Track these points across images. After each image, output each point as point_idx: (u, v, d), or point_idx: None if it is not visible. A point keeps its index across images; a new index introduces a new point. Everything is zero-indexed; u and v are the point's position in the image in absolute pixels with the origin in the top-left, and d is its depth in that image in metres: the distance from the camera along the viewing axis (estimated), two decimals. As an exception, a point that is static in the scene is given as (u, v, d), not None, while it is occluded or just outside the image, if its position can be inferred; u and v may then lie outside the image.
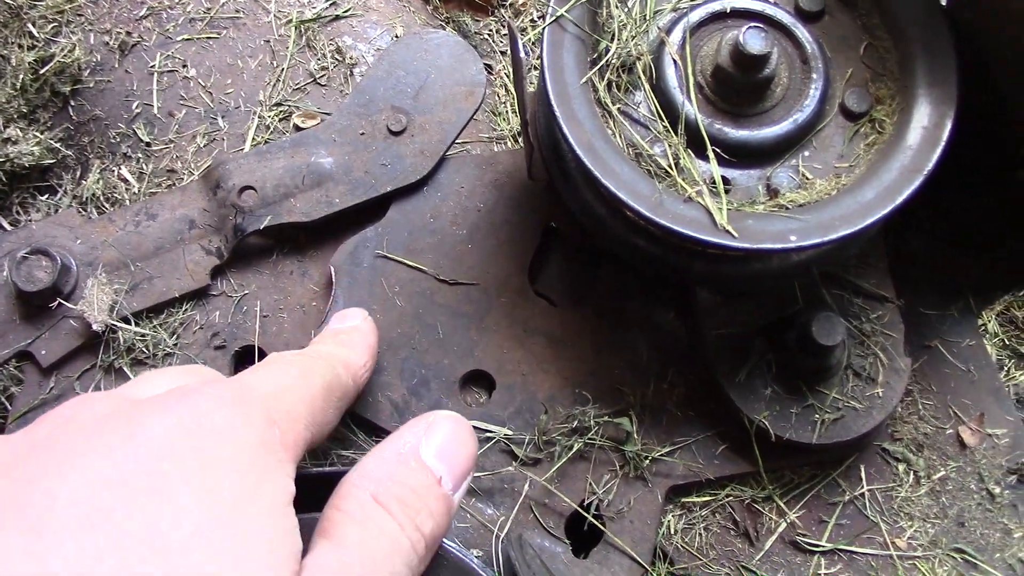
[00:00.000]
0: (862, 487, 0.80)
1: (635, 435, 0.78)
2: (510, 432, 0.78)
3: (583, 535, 0.77)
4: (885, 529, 0.79)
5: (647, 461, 0.78)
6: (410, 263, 0.83)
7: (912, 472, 0.81)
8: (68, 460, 0.43)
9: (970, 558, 0.78)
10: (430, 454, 0.53)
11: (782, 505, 0.79)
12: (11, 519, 0.40)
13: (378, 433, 0.79)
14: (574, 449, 0.77)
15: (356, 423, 0.79)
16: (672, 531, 0.78)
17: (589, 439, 0.78)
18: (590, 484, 0.78)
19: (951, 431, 0.83)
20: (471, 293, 0.82)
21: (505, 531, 0.75)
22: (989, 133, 0.74)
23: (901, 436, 0.82)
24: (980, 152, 0.76)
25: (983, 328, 1.03)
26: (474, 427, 0.78)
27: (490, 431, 0.78)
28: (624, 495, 0.77)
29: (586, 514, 0.76)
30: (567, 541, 0.76)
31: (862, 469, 0.81)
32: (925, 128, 0.71)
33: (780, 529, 0.79)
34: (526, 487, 0.77)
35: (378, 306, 0.81)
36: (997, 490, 0.81)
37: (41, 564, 0.38)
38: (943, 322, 0.85)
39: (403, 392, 0.79)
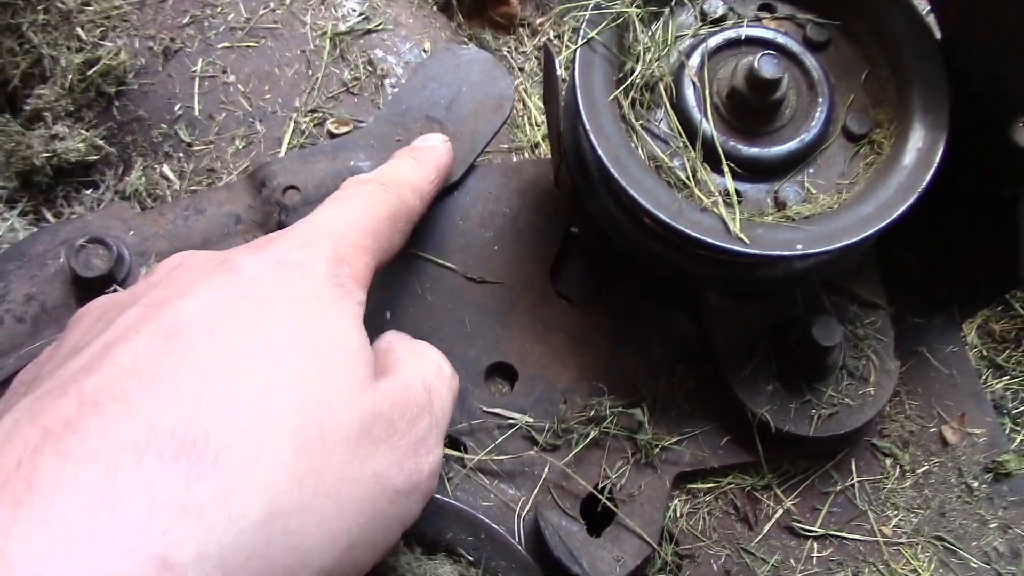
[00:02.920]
0: (853, 479, 0.87)
1: (647, 425, 0.84)
2: (531, 420, 0.85)
3: (597, 516, 0.84)
4: (873, 517, 0.86)
5: (657, 449, 0.84)
6: (440, 261, 0.89)
7: (898, 466, 0.88)
8: (183, 292, 0.53)
9: (949, 545, 0.85)
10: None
11: (779, 493, 0.86)
12: (149, 329, 0.50)
13: None
14: (590, 437, 0.84)
15: None
16: (678, 515, 0.85)
17: (604, 428, 0.84)
18: (604, 469, 0.84)
19: (934, 430, 0.90)
20: (497, 291, 0.89)
21: (527, 509, 0.82)
22: (976, 157, 0.82)
23: (889, 433, 0.89)
24: (968, 174, 0.83)
25: (964, 338, 1.10)
26: (498, 414, 0.85)
27: (512, 418, 0.84)
28: (635, 480, 0.84)
29: (600, 496, 0.83)
30: (582, 521, 0.83)
31: (853, 462, 0.88)
32: (919, 150, 0.78)
33: (777, 515, 0.85)
34: (546, 470, 0.83)
35: (410, 301, 0.88)
36: (975, 484, 0.88)
37: (175, 358, 0.48)
38: (929, 330, 0.93)
39: None
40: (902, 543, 0.85)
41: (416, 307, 0.88)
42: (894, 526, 0.86)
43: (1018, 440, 0.99)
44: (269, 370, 0.50)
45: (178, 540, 0.41)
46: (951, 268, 0.92)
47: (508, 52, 1.18)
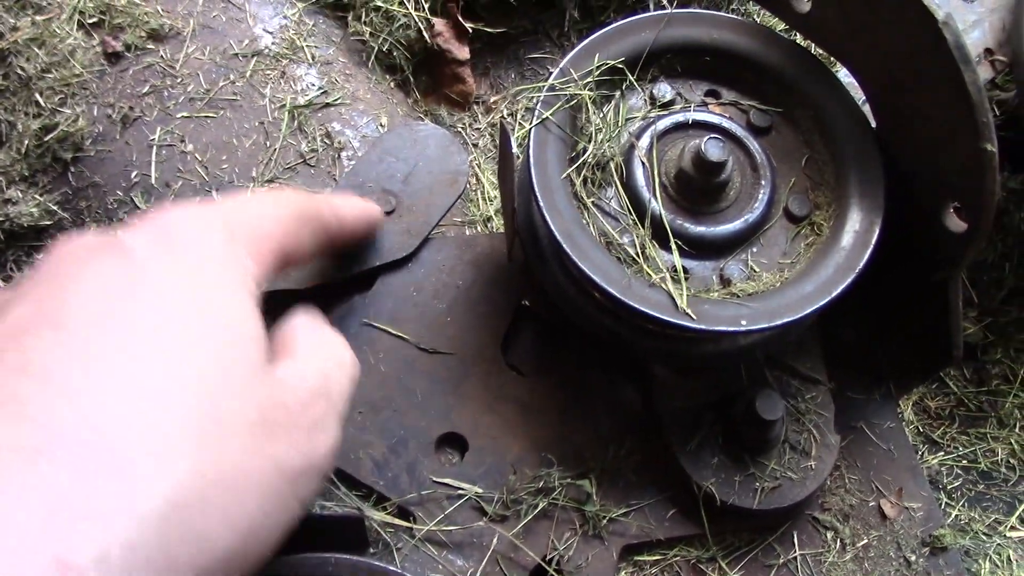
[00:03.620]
0: (795, 551, 0.89)
1: (595, 496, 0.86)
2: (480, 491, 0.85)
3: (545, 587, 0.84)
4: (815, 590, 0.88)
5: (604, 521, 0.85)
6: (393, 331, 0.91)
7: (839, 539, 0.90)
8: (69, 280, 0.51)
9: (889, 618, 0.87)
10: None
11: (724, 566, 0.87)
12: (36, 324, 0.48)
13: (359, 487, 0.85)
14: (539, 508, 0.85)
15: (339, 478, 0.85)
16: (624, 587, 0.86)
17: (553, 499, 0.85)
18: (552, 541, 0.85)
19: (873, 503, 0.92)
20: (449, 361, 0.90)
21: None
22: (910, 240, 0.85)
23: (830, 507, 0.91)
24: (903, 256, 0.87)
25: (901, 414, 1.14)
26: (447, 484, 0.85)
27: (462, 489, 0.85)
28: (583, 551, 0.85)
29: (548, 568, 0.83)
30: None
31: (795, 535, 0.89)
32: (857, 232, 0.82)
33: (722, 587, 0.87)
34: (494, 541, 0.84)
35: (362, 370, 0.88)
36: (912, 558, 0.90)
37: (65, 353, 0.47)
38: (867, 405, 0.95)
39: (383, 450, 0.86)
40: (843, 616, 0.87)
41: (368, 376, 0.89)
42: (835, 599, 0.87)
43: (953, 515, 1.02)
44: (164, 360, 0.49)
45: (77, 541, 0.41)
46: (888, 345, 0.96)
47: (463, 128, 1.21)
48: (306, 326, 0.67)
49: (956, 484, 1.07)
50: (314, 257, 0.73)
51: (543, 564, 0.84)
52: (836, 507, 0.91)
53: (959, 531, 0.99)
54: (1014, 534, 1.02)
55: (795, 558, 0.89)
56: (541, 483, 0.85)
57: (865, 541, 0.90)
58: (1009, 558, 0.97)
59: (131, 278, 0.52)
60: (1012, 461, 1.09)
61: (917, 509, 0.92)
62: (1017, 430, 1.11)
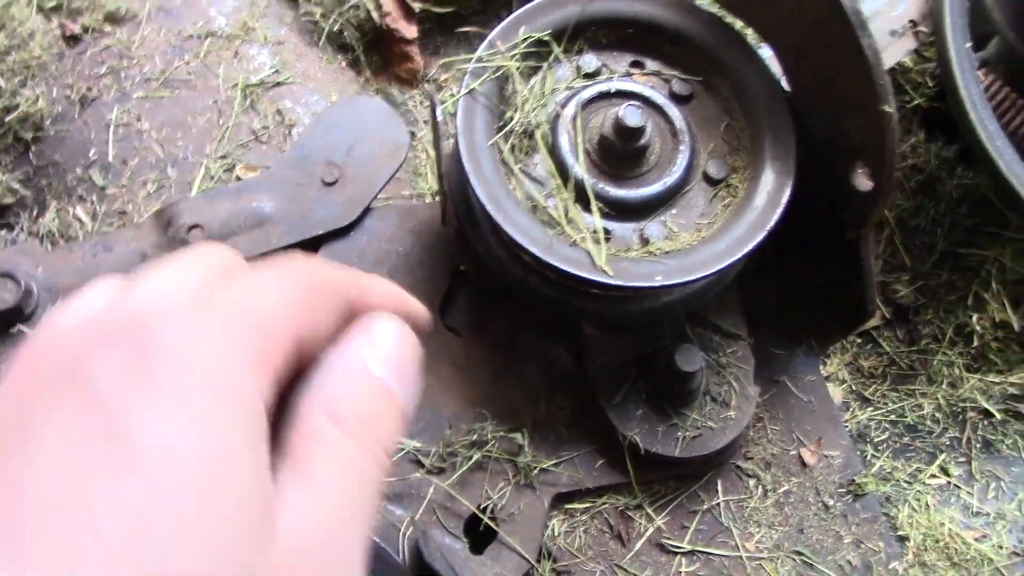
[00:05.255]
0: (718, 498, 0.94)
1: (526, 448, 0.90)
2: (419, 445, 0.90)
3: (479, 535, 0.89)
4: (737, 534, 0.92)
5: (536, 471, 0.90)
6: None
7: (761, 486, 0.95)
8: (26, 443, 0.39)
9: (807, 559, 0.92)
10: (378, 365, 0.47)
11: (650, 512, 0.92)
12: None
13: None
14: (473, 459, 0.90)
15: None
16: (556, 533, 0.91)
17: (487, 451, 0.90)
18: (486, 491, 0.89)
19: (794, 452, 0.97)
20: (389, 323, 0.95)
21: (411, 529, 0.87)
22: (823, 201, 0.90)
23: (752, 456, 0.96)
24: (817, 217, 0.92)
25: (836, 375, 1.18)
26: (387, 438, 0.90)
27: (401, 444, 0.90)
28: (516, 500, 0.90)
29: (482, 516, 0.88)
30: (465, 539, 0.88)
31: (719, 483, 0.94)
32: (769, 193, 0.86)
33: (648, 533, 0.91)
34: (431, 492, 0.89)
35: None
36: (831, 502, 0.95)
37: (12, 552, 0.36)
38: (790, 361, 1.00)
39: None
40: (763, 558, 0.92)
41: None
42: (756, 542, 0.92)
43: (877, 465, 1.07)
44: (133, 550, 0.37)
45: None
46: (808, 304, 1.00)
47: (413, 106, 1.25)
48: (325, 430, 0.46)
49: (883, 437, 1.12)
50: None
51: (478, 512, 0.88)
52: (758, 456, 0.96)
53: (881, 480, 1.04)
54: (934, 481, 1.07)
55: (719, 504, 0.93)
56: (475, 436, 0.90)
57: (786, 487, 0.95)
58: (927, 504, 1.02)
59: (102, 436, 0.39)
60: (937, 415, 1.14)
61: (835, 457, 0.97)
62: (944, 386, 1.16)
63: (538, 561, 0.88)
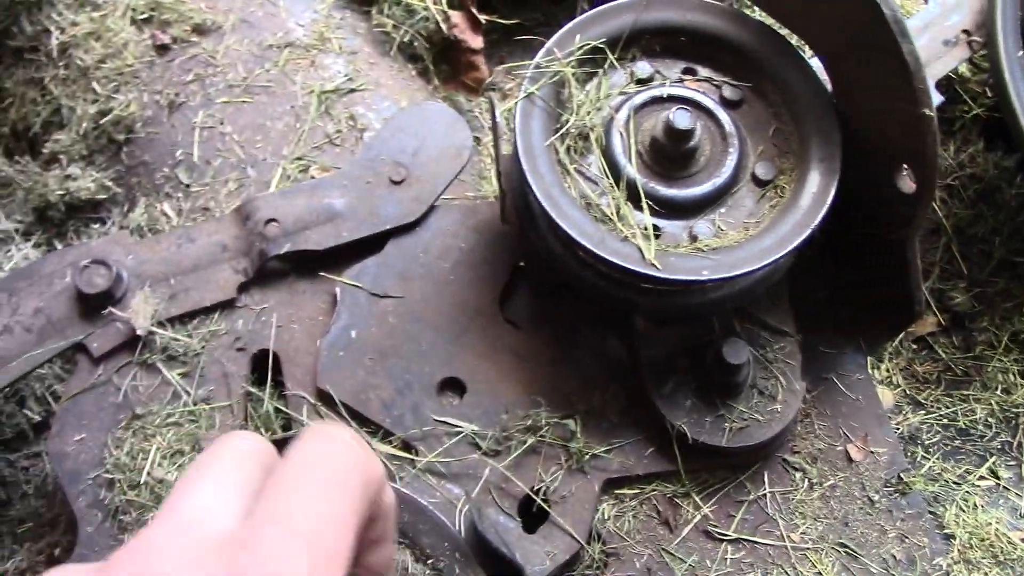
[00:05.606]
0: (765, 489, 0.97)
1: (579, 435, 0.95)
2: (476, 428, 0.95)
3: (532, 515, 0.93)
4: (782, 525, 0.95)
5: (587, 457, 0.94)
6: (395, 295, 1.01)
7: (807, 479, 0.98)
8: None
9: (851, 551, 0.95)
10: None
11: (698, 500, 0.95)
12: None
13: (368, 424, 0.96)
14: (527, 444, 0.94)
15: (351, 415, 0.96)
16: (606, 517, 0.94)
17: (541, 436, 0.94)
18: (540, 474, 0.94)
19: (841, 448, 1.00)
20: (451, 314, 1.00)
21: (467, 507, 0.91)
22: (869, 202, 0.93)
23: (799, 450, 0.99)
24: (863, 218, 0.95)
25: (889, 379, 1.21)
26: (447, 422, 0.95)
27: (460, 427, 0.95)
28: (567, 484, 0.94)
29: (535, 497, 0.93)
30: (518, 519, 0.92)
31: (766, 475, 0.97)
32: (814, 193, 0.90)
33: (695, 520, 0.95)
34: (487, 473, 0.93)
35: (374, 321, 0.99)
36: (876, 497, 0.97)
37: None
38: (838, 359, 1.03)
39: (391, 392, 0.96)
40: (808, 549, 0.95)
41: (380, 327, 0.99)
42: (801, 533, 0.95)
43: (926, 466, 1.09)
44: None
45: None
46: (856, 304, 1.03)
47: (479, 114, 1.31)
48: None
49: (934, 440, 1.14)
50: None
51: (531, 494, 0.93)
52: (805, 450, 0.99)
53: (930, 480, 1.06)
54: (983, 483, 1.08)
55: (765, 495, 0.96)
56: (530, 422, 0.95)
57: (832, 481, 0.98)
58: (975, 504, 1.04)
59: None
60: (991, 420, 1.15)
61: (882, 454, 1.00)
62: (999, 392, 1.17)
63: (588, 542, 0.92)
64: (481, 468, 0.94)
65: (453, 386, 0.99)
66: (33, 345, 0.97)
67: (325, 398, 0.97)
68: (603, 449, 0.95)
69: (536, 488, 0.94)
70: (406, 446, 0.95)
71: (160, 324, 0.99)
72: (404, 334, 0.99)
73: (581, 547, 0.92)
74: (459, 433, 0.95)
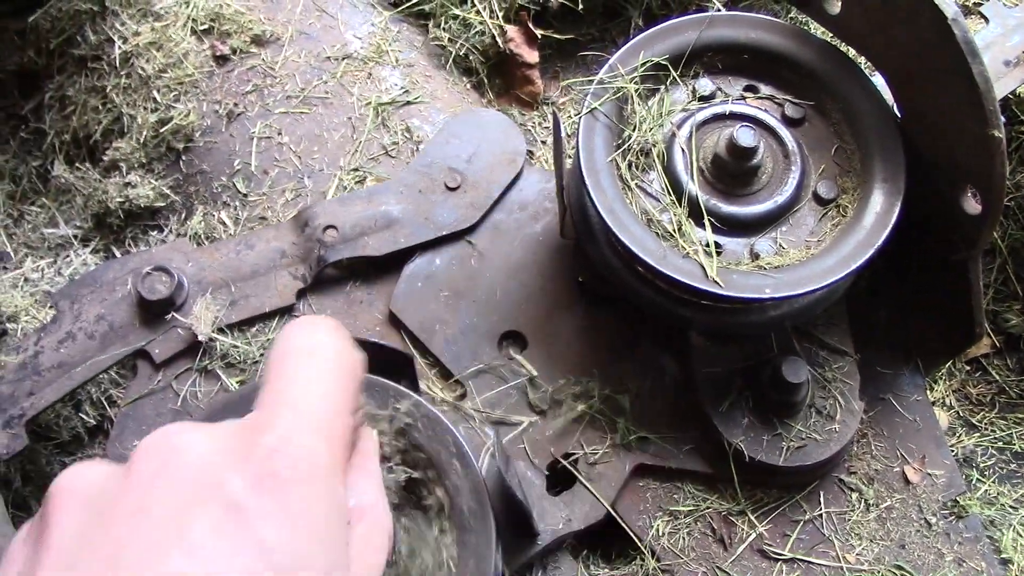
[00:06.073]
0: (821, 509, 0.96)
1: (628, 412, 0.95)
2: (535, 373, 0.97)
3: (559, 478, 0.94)
4: (838, 545, 0.95)
5: (631, 437, 0.94)
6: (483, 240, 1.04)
7: (863, 500, 0.97)
8: (160, 545, 0.42)
9: (908, 574, 0.94)
10: None
11: (753, 519, 0.95)
12: None
13: (428, 356, 1.00)
14: (577, 410, 0.95)
15: (413, 343, 1.00)
16: (660, 534, 0.94)
17: (589, 405, 0.95)
18: (580, 441, 0.95)
19: (898, 469, 0.99)
20: (531, 272, 1.04)
21: (498, 448, 0.88)
22: (931, 223, 0.93)
23: (856, 471, 0.98)
24: (925, 238, 0.94)
25: (942, 401, 1.19)
26: (510, 358, 0.99)
27: (522, 369, 0.97)
28: (602, 458, 0.94)
29: (564, 462, 0.94)
30: (545, 474, 0.93)
31: (821, 495, 0.97)
32: (878, 213, 0.89)
33: (750, 539, 0.94)
34: (527, 425, 0.95)
35: (457, 259, 1.04)
36: (933, 520, 0.97)
37: None
38: (896, 380, 1.02)
39: (456, 330, 1.00)
40: (864, 570, 0.94)
41: (460, 266, 1.03)
42: (857, 554, 0.94)
43: (982, 490, 1.08)
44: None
45: None
46: (916, 324, 1.02)
47: (532, 127, 1.31)
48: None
49: (989, 463, 1.13)
50: None
51: (561, 460, 0.94)
52: (862, 471, 0.98)
53: (986, 504, 1.05)
54: (1040, 508, 1.07)
55: (821, 515, 0.96)
56: (581, 389, 0.96)
57: (888, 503, 0.97)
58: (1033, 529, 1.03)
59: (237, 530, 0.43)
60: (1047, 444, 1.14)
61: (939, 476, 0.99)
62: (1055, 416, 1.16)
63: (606, 515, 0.93)
64: (524, 421, 0.95)
65: (515, 339, 1.01)
66: (96, 351, 0.99)
67: (394, 321, 1.01)
68: (653, 435, 0.95)
69: (569, 454, 0.94)
70: (457, 384, 0.97)
71: (220, 331, 1.00)
72: (482, 279, 1.02)
73: (598, 518, 0.93)
74: (510, 382, 0.96)
